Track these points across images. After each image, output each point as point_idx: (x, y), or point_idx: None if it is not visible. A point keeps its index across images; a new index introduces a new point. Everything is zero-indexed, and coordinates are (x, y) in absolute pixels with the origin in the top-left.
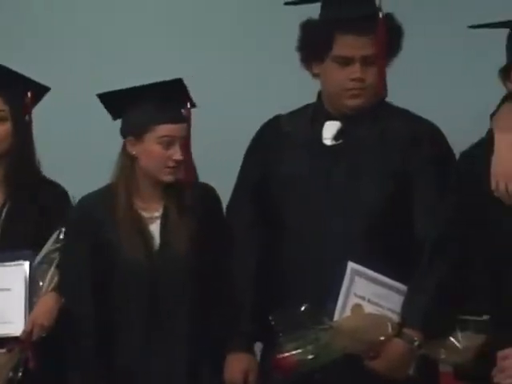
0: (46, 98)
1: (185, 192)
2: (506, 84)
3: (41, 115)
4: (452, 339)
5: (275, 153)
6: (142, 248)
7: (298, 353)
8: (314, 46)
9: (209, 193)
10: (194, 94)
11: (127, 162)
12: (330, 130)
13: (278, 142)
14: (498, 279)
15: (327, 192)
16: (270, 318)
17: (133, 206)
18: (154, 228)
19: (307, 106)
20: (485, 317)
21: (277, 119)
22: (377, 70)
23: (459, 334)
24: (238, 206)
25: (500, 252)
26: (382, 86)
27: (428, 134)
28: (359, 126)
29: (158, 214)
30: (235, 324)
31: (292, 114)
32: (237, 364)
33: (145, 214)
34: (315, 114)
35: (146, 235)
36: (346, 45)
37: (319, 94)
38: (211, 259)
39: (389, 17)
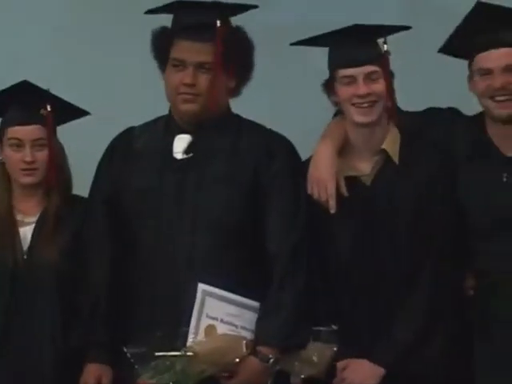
0: None
1: (58, 198)
2: (330, 97)
3: None
4: (306, 351)
5: (126, 166)
6: (9, 250)
7: (156, 382)
8: (158, 51)
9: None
10: None
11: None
12: (180, 144)
13: (129, 156)
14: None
15: (177, 206)
16: (125, 350)
17: (10, 209)
18: (27, 232)
19: (160, 119)
20: (334, 326)
21: (129, 131)
22: (212, 78)
23: (313, 345)
24: (91, 220)
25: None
26: (213, 94)
27: (280, 148)
28: (210, 140)
29: (34, 218)
30: (90, 335)
31: (145, 125)
32: (89, 375)
33: (20, 218)
34: (167, 126)
35: (15, 238)
36: (182, 49)
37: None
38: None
39: (234, 28)
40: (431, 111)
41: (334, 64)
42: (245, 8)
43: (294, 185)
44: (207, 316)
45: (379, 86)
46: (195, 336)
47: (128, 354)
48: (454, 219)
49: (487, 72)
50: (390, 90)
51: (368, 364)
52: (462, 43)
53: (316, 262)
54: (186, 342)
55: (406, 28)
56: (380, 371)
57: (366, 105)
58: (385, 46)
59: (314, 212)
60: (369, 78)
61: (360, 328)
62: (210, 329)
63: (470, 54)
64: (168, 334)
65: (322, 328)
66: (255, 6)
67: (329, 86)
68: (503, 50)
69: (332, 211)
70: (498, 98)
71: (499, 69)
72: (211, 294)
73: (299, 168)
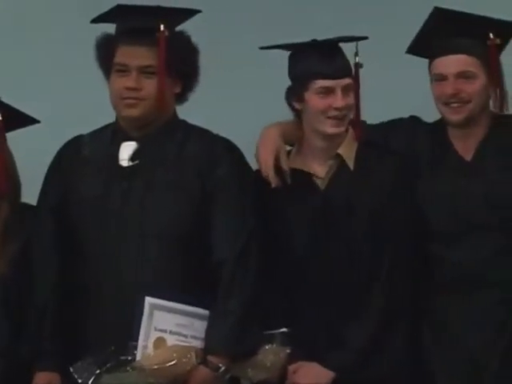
0: None
1: (7, 206)
2: (291, 104)
3: None
4: (259, 356)
5: (74, 175)
6: None
7: None
8: (102, 57)
9: None
10: None
11: None
12: (126, 151)
13: (76, 164)
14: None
15: (123, 215)
16: (71, 370)
17: None
18: None
19: (108, 126)
20: (286, 329)
21: (77, 140)
22: (157, 82)
23: (266, 349)
24: (38, 230)
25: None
26: (160, 99)
27: (225, 154)
28: (156, 146)
29: None
30: (38, 344)
31: (93, 133)
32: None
33: None
34: (114, 134)
35: None
36: (125, 54)
37: None
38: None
39: (178, 33)
40: (393, 121)
41: (310, 74)
42: (188, 13)
43: (240, 190)
44: (156, 329)
45: (351, 99)
46: (144, 350)
47: (74, 374)
48: (411, 226)
49: (441, 78)
50: (358, 102)
51: (318, 367)
52: (424, 46)
53: (271, 265)
54: (135, 356)
55: (363, 38)
56: (329, 375)
57: (340, 117)
58: (356, 58)
59: (270, 217)
60: (345, 90)
61: (314, 332)
62: (159, 341)
63: (429, 57)
64: (117, 349)
65: (274, 331)
66: (198, 11)
67: (296, 94)
68: (457, 57)
69: (273, 185)
70: (451, 105)
71: (452, 75)
72: (159, 307)
73: (245, 173)
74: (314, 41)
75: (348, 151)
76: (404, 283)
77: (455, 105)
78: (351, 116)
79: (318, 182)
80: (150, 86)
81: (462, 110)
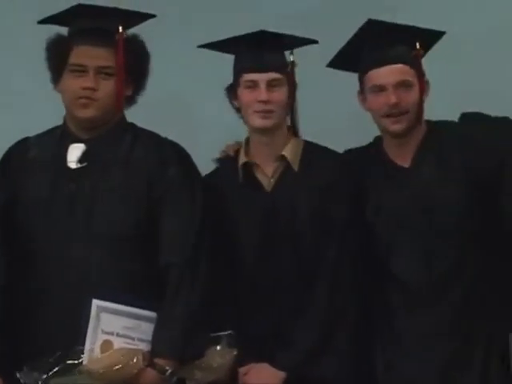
0: None
1: None
2: (232, 103)
3: None
4: (206, 358)
5: (21, 177)
6: None
7: None
8: (55, 58)
9: None
10: None
11: None
12: (74, 153)
13: (24, 166)
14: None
15: (70, 217)
16: (18, 375)
17: None
18: None
19: (56, 128)
20: (231, 331)
21: (24, 141)
22: (114, 84)
23: (212, 351)
24: None
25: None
26: (119, 100)
27: (173, 157)
28: (104, 149)
29: None
30: None
31: (41, 135)
32: None
33: None
34: (62, 136)
35: None
36: (82, 54)
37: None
38: None
39: (133, 36)
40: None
41: (239, 68)
42: (144, 16)
43: (189, 192)
44: (103, 332)
45: (279, 95)
46: (91, 353)
47: (22, 380)
48: (355, 226)
49: (380, 89)
50: (292, 101)
51: (269, 368)
52: (353, 59)
53: (220, 266)
54: (82, 360)
55: (314, 42)
56: (280, 375)
57: (266, 111)
58: (291, 56)
59: (217, 218)
60: (271, 85)
61: (263, 333)
62: (106, 344)
63: (361, 69)
64: (64, 353)
65: (220, 333)
66: (153, 16)
67: (232, 91)
68: (395, 67)
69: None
70: (392, 117)
71: (391, 85)
72: (106, 309)
73: (194, 175)
74: (245, 35)
75: (292, 153)
76: (348, 283)
77: (395, 116)
78: (284, 112)
79: (265, 183)
80: (106, 87)
81: (402, 119)
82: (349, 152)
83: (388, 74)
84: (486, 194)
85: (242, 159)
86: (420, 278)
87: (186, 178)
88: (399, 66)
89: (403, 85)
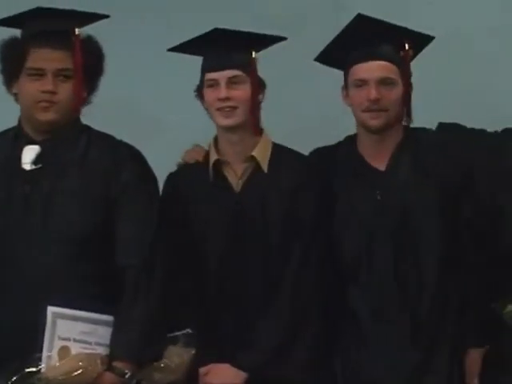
0: None
1: None
2: (202, 103)
3: None
4: (164, 359)
5: None
6: None
7: None
8: (10, 62)
9: None
10: None
11: None
12: (29, 155)
13: None
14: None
15: (25, 219)
16: None
17: None
18: None
19: (10, 130)
20: (189, 330)
21: None
22: (73, 86)
23: (170, 351)
24: None
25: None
26: (78, 102)
27: (129, 159)
28: (59, 150)
29: None
30: None
31: None
32: None
33: None
34: (16, 138)
35: None
36: (39, 57)
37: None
38: None
39: (88, 37)
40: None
41: (202, 68)
42: (97, 17)
43: (145, 194)
44: (59, 338)
45: (240, 92)
46: (49, 361)
47: None
48: (322, 227)
49: (362, 83)
50: (255, 98)
51: (230, 368)
52: (340, 54)
53: (183, 267)
54: (41, 368)
55: (283, 39)
56: (242, 375)
57: (227, 109)
58: (253, 53)
59: (183, 217)
60: (231, 82)
61: (226, 334)
62: (64, 351)
63: (346, 65)
64: (22, 361)
65: (178, 333)
66: (107, 16)
67: (199, 92)
68: (380, 63)
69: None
70: (372, 110)
71: (374, 81)
72: (61, 316)
73: (148, 178)
74: (203, 35)
75: (262, 154)
76: (313, 283)
77: (375, 112)
78: (249, 110)
79: (234, 183)
80: (65, 89)
81: (381, 115)
82: (316, 151)
83: (372, 69)
84: (452, 201)
85: (214, 157)
86: (387, 285)
87: (141, 180)
88: (384, 63)
89: (386, 82)
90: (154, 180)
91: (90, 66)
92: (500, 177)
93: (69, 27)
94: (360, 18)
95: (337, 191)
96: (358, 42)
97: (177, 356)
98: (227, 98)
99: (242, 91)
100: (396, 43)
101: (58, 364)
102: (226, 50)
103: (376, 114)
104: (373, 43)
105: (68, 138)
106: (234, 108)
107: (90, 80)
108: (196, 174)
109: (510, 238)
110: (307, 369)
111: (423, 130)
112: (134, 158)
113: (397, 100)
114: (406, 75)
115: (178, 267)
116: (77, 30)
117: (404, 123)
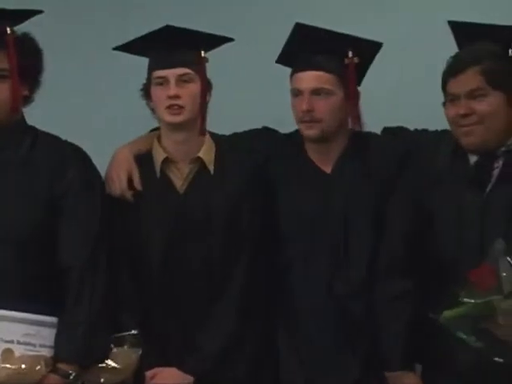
0: None
1: None
2: (148, 103)
3: None
4: (110, 360)
5: None
6: None
7: None
8: None
9: None
10: None
11: None
12: None
13: None
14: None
15: None
16: None
17: None
18: None
19: None
20: (134, 331)
21: None
22: (10, 85)
23: (116, 352)
24: None
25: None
26: (16, 102)
27: (74, 159)
28: (3, 151)
29: None
30: None
31: None
32: None
33: None
34: None
35: None
36: None
37: None
38: None
39: (23, 35)
40: (250, 131)
41: (150, 66)
42: (30, 13)
43: (88, 196)
44: (2, 340)
45: (189, 90)
46: None
47: None
48: (267, 225)
49: (298, 93)
50: (204, 97)
51: (177, 372)
52: (289, 59)
53: (126, 267)
54: None
55: (230, 40)
56: (188, 378)
57: (176, 107)
58: (202, 52)
59: (127, 218)
60: (181, 80)
61: (172, 336)
62: (7, 353)
63: (292, 71)
64: None
65: (124, 333)
66: (40, 11)
67: (147, 91)
68: (314, 73)
69: (130, 200)
70: (306, 121)
71: (307, 91)
72: (4, 318)
73: (93, 178)
74: (152, 32)
75: (208, 155)
76: (258, 284)
77: (308, 122)
78: (196, 109)
79: (178, 185)
80: (2, 89)
81: (314, 126)
82: (271, 132)
83: (306, 79)
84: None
85: (162, 155)
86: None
87: (86, 180)
88: (319, 73)
89: (319, 92)
90: (99, 180)
91: (27, 64)
92: (430, 179)
93: (1, 27)
94: (298, 27)
95: (281, 190)
96: (299, 50)
97: (124, 357)
98: (176, 96)
99: (192, 89)
100: (336, 51)
101: (1, 366)
102: (175, 47)
103: (309, 124)
104: (309, 52)
105: (11, 138)
106: (183, 107)
107: (29, 78)
108: (145, 170)
109: (440, 241)
110: (253, 371)
111: (369, 134)
112: (79, 157)
113: (332, 110)
114: (348, 84)
115: (122, 267)
116: (8, 30)
117: (357, 128)
